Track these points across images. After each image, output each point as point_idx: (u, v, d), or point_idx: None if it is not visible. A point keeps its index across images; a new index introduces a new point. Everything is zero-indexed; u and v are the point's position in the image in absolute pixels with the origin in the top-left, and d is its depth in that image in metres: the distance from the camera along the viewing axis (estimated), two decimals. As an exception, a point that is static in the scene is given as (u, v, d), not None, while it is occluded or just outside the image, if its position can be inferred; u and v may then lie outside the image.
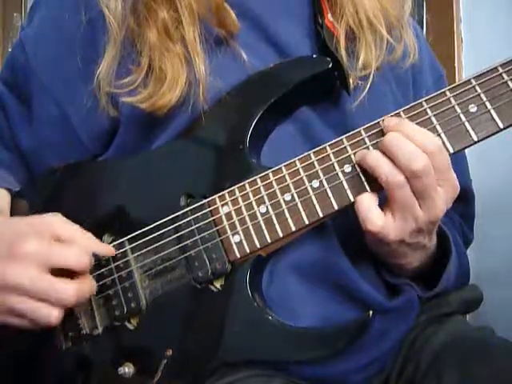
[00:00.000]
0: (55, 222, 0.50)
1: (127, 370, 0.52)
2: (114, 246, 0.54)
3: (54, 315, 0.47)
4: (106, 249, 0.53)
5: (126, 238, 0.54)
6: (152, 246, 0.53)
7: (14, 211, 0.60)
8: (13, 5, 1.34)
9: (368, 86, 0.55)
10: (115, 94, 0.55)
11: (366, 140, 0.49)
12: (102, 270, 0.54)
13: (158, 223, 0.53)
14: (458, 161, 0.62)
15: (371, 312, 0.48)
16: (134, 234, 0.54)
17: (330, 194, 0.49)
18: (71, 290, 0.47)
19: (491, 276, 0.81)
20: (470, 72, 0.47)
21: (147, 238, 0.53)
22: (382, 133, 0.49)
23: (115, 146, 0.58)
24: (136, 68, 0.54)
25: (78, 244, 0.49)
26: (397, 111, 0.49)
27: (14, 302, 0.47)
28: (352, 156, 0.49)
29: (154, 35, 0.53)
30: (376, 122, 0.49)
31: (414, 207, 0.47)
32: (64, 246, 0.48)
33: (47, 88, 0.59)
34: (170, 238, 0.53)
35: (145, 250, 0.53)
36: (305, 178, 0.50)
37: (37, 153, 0.61)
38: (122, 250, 0.54)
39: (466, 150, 0.50)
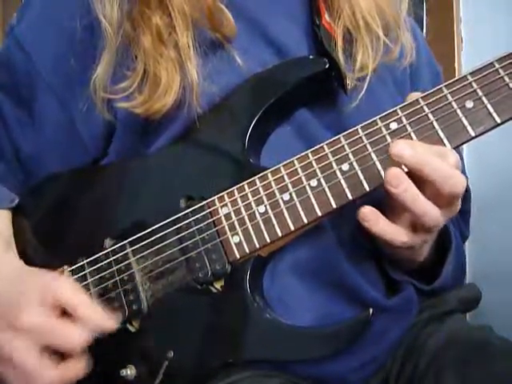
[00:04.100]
0: (61, 288, 0.49)
1: (129, 372, 0.52)
2: (115, 248, 0.54)
3: None
4: (108, 325, 0.50)
5: (127, 241, 0.54)
6: (153, 248, 0.53)
7: (15, 226, 0.60)
8: (13, 5, 1.36)
9: (365, 86, 0.55)
10: (110, 99, 0.55)
11: (364, 138, 0.49)
12: (104, 273, 0.54)
13: (158, 225, 0.53)
14: None
15: (371, 310, 0.48)
16: (135, 237, 0.54)
17: (328, 193, 0.49)
18: (51, 378, 0.47)
19: (490, 274, 0.80)
20: (470, 72, 0.47)
21: (148, 241, 0.53)
22: (380, 130, 0.49)
23: (113, 150, 0.58)
24: (131, 73, 0.54)
25: (79, 324, 0.48)
26: (393, 109, 0.49)
27: (5, 371, 0.48)
28: (350, 154, 0.49)
29: (148, 41, 0.53)
30: (373, 120, 0.49)
31: (440, 220, 0.47)
32: (62, 326, 0.48)
33: (52, 87, 0.59)
34: (171, 240, 0.53)
35: (146, 252, 0.53)
36: (303, 177, 0.50)
37: (38, 157, 0.61)
38: (123, 253, 0.54)
39: (463, 147, 0.50)
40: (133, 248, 0.54)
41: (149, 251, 0.53)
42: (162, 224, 0.53)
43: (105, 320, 0.50)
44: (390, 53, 0.58)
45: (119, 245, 0.54)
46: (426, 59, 0.66)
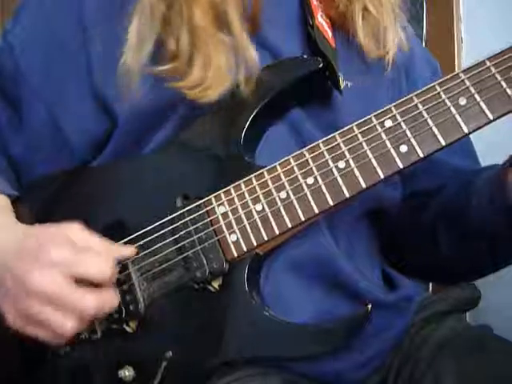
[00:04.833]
0: (78, 231, 0.51)
1: (127, 373, 0.54)
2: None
3: (69, 325, 0.48)
4: (127, 251, 0.53)
5: (122, 241, 0.55)
6: (150, 249, 0.55)
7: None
8: (12, 5, 1.38)
9: (389, 68, 0.57)
10: (157, 80, 0.54)
11: (359, 136, 0.51)
12: (101, 274, 0.56)
13: (154, 225, 0.55)
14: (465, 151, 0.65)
15: (369, 306, 0.50)
16: (131, 237, 0.55)
17: (325, 190, 0.51)
18: (90, 302, 0.48)
19: (491, 274, 0.82)
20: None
21: (145, 241, 0.55)
22: (375, 128, 0.50)
23: (110, 149, 0.59)
24: (176, 54, 0.53)
25: (101, 254, 0.50)
26: (388, 106, 0.51)
27: (31, 307, 0.48)
28: (346, 152, 0.51)
29: (201, 18, 0.52)
30: (367, 118, 0.51)
31: None
32: (87, 256, 0.49)
33: (37, 92, 0.60)
34: (168, 240, 0.54)
35: (142, 252, 0.55)
36: (299, 175, 0.52)
37: (27, 159, 0.63)
38: (119, 254, 0.56)
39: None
40: (129, 248, 0.55)
41: (145, 252, 0.55)
42: (158, 224, 0.55)
43: (122, 249, 0.53)
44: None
45: (115, 245, 0.56)
46: (424, 57, 0.69)
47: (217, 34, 0.53)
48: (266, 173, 0.53)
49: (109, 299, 0.50)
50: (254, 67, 0.53)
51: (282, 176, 0.52)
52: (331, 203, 0.51)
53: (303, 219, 0.51)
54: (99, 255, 0.50)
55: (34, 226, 0.55)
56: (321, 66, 0.55)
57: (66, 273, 0.48)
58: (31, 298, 0.48)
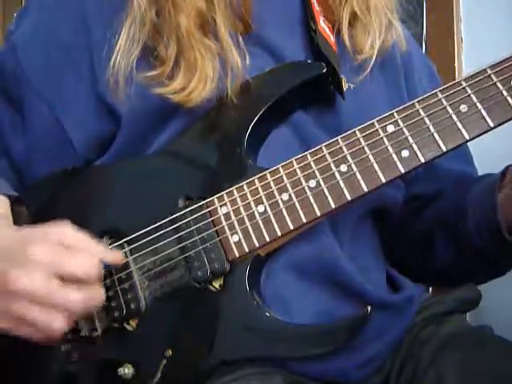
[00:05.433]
0: (65, 230, 0.52)
1: (127, 371, 0.55)
2: (112, 248, 0.57)
3: (57, 322, 0.48)
4: (114, 256, 0.54)
5: (124, 240, 0.57)
6: (151, 247, 0.56)
7: (14, 217, 0.63)
8: (13, 5, 1.40)
9: (365, 73, 0.59)
10: (144, 85, 0.56)
11: (361, 140, 0.53)
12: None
13: (157, 224, 0.56)
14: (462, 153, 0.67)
15: (369, 307, 0.51)
16: (132, 236, 0.57)
17: (327, 193, 0.53)
18: (76, 299, 0.48)
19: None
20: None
21: (146, 240, 0.56)
22: (377, 133, 0.52)
23: (114, 148, 0.61)
24: (163, 60, 0.55)
25: (87, 253, 0.51)
26: (390, 112, 0.52)
27: (18, 307, 0.48)
28: (348, 156, 0.53)
29: (187, 25, 0.54)
30: (370, 122, 0.53)
31: None
32: (72, 255, 0.50)
33: (39, 93, 0.61)
34: (170, 239, 0.56)
35: (144, 251, 0.56)
36: (302, 178, 0.54)
37: (28, 159, 0.64)
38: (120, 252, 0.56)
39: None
40: (131, 247, 0.57)
41: (147, 250, 0.56)
42: (160, 223, 0.56)
43: (110, 252, 0.54)
44: (385, 40, 0.63)
45: (117, 244, 0.57)
46: (422, 62, 0.71)
47: (203, 40, 0.55)
48: (268, 175, 0.55)
49: (95, 296, 0.51)
50: (240, 72, 0.55)
51: (285, 178, 0.54)
52: (333, 206, 0.53)
53: (305, 221, 0.53)
54: (85, 254, 0.51)
55: (23, 227, 0.55)
56: (324, 70, 0.57)
57: (50, 272, 0.49)
58: (16, 298, 0.48)
